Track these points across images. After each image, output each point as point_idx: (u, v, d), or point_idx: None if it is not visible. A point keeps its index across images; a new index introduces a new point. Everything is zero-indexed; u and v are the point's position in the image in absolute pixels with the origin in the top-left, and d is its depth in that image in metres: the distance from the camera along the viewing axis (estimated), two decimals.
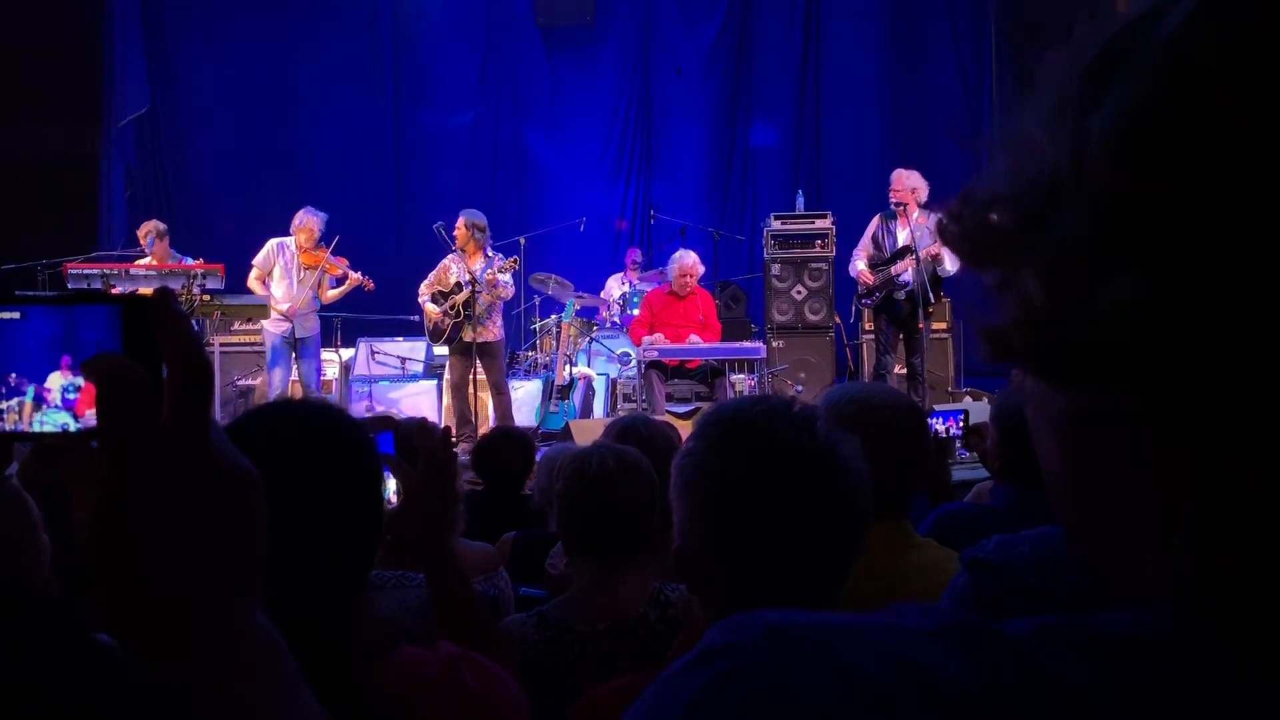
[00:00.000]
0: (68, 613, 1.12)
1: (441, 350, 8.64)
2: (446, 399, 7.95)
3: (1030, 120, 0.40)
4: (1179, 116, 0.35)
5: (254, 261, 7.11)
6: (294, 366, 7.18)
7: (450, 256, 7.13)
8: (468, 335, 6.99)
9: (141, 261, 7.22)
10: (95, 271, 6.77)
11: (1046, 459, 0.43)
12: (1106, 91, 0.37)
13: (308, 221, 7.07)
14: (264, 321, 7.19)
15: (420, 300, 7.17)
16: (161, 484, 0.48)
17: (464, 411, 7.11)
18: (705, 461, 1.04)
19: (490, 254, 7.14)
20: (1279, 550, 0.34)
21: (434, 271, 7.17)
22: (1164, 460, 0.36)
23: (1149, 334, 0.35)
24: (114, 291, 6.08)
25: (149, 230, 7.36)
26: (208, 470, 0.49)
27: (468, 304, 6.95)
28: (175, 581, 0.48)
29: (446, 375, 7.94)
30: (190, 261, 7.18)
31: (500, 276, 6.97)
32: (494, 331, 7.15)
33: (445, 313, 7.01)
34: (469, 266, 6.99)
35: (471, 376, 7.12)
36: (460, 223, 7.09)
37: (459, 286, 7.01)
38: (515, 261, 7.19)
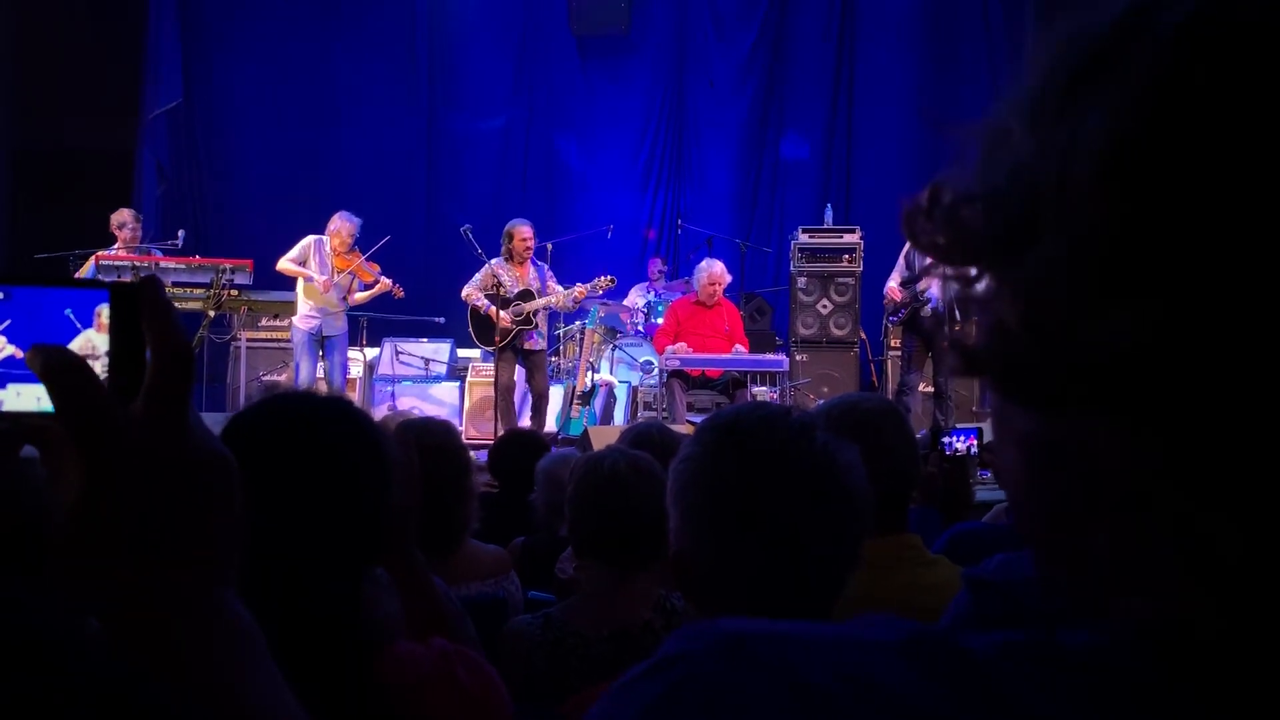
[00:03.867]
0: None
1: (468, 353, 8.72)
2: (469, 400, 8.00)
3: (1010, 112, 0.37)
4: (1174, 137, 0.32)
5: (289, 254, 7.17)
6: (320, 364, 7.25)
7: (494, 263, 7.14)
8: (527, 344, 7.07)
9: (171, 255, 7.32)
10: (125, 263, 6.87)
11: (1008, 475, 0.41)
12: (1095, 94, 0.34)
13: (342, 226, 7.15)
14: (293, 319, 7.25)
15: (475, 302, 7.10)
16: (136, 466, 0.48)
17: (508, 416, 7.13)
18: (701, 466, 1.04)
19: (539, 263, 7.22)
20: (1253, 609, 0.33)
21: (478, 277, 7.16)
22: (1136, 502, 0.34)
23: (1128, 376, 0.33)
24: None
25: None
26: (183, 454, 0.49)
27: (533, 311, 7.05)
28: (149, 563, 0.48)
29: (468, 378, 7.99)
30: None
31: (592, 290, 7.17)
32: (542, 340, 7.25)
33: (514, 319, 7.04)
34: (522, 277, 7.08)
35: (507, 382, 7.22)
36: (507, 233, 7.18)
37: (527, 294, 7.06)
38: (612, 280, 7.34)
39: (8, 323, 0.53)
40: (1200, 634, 0.34)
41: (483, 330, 7.19)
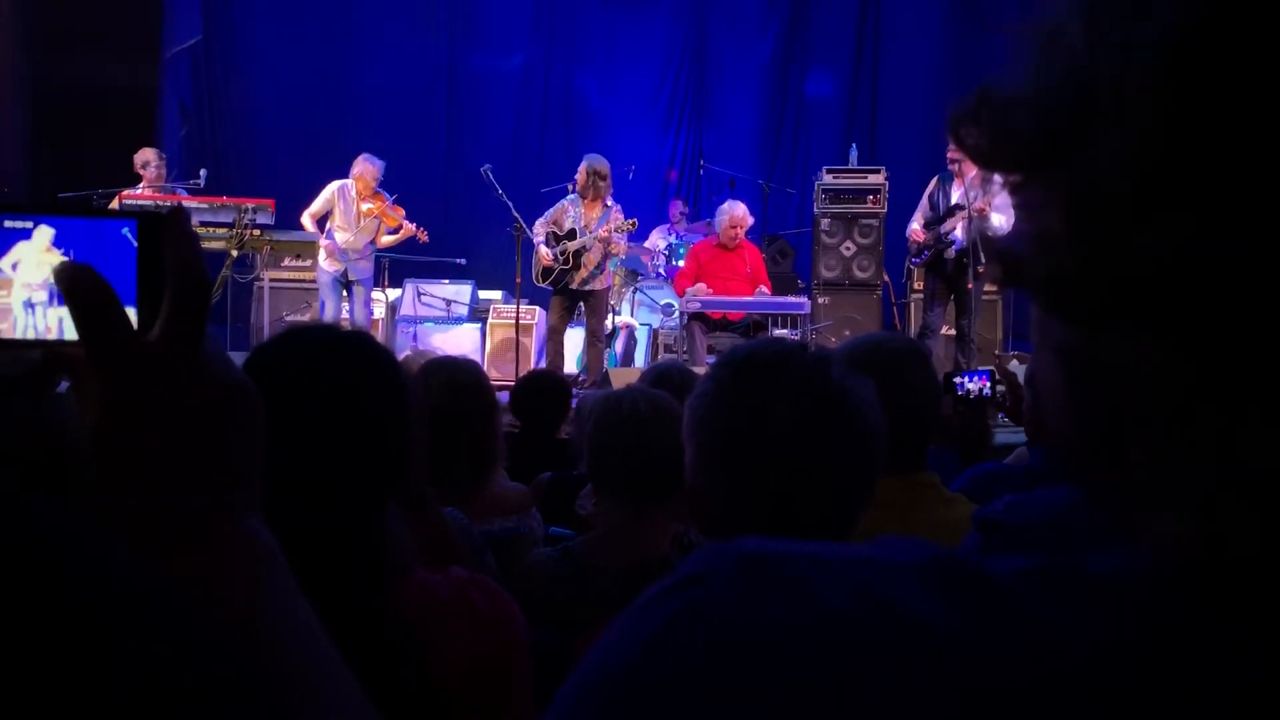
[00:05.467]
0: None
1: (489, 294, 8.71)
2: (490, 341, 8.03)
3: (1065, 10, 0.35)
4: (1240, 34, 0.30)
5: (311, 207, 7.17)
6: (344, 306, 7.30)
7: (568, 200, 7.00)
8: (574, 282, 6.91)
9: (195, 194, 7.35)
10: (150, 203, 6.90)
11: (1046, 386, 0.40)
12: None
13: (365, 169, 7.13)
14: (319, 259, 7.29)
15: (535, 239, 6.96)
16: (149, 392, 0.49)
17: (556, 358, 7.04)
18: (716, 401, 1.04)
19: (610, 203, 7.02)
20: None
21: (551, 211, 7.00)
22: (1177, 419, 0.33)
23: (1173, 288, 0.32)
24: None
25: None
26: (198, 380, 0.50)
27: (578, 253, 6.87)
28: (171, 489, 0.49)
29: (490, 320, 7.97)
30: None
31: (616, 235, 6.91)
32: (605, 280, 7.09)
33: (556, 258, 6.88)
34: (586, 214, 6.91)
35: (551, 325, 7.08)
36: (582, 168, 6.95)
37: (573, 233, 6.90)
38: (633, 223, 7.12)
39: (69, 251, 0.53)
40: (1237, 552, 0.33)
41: (542, 270, 7.02)
